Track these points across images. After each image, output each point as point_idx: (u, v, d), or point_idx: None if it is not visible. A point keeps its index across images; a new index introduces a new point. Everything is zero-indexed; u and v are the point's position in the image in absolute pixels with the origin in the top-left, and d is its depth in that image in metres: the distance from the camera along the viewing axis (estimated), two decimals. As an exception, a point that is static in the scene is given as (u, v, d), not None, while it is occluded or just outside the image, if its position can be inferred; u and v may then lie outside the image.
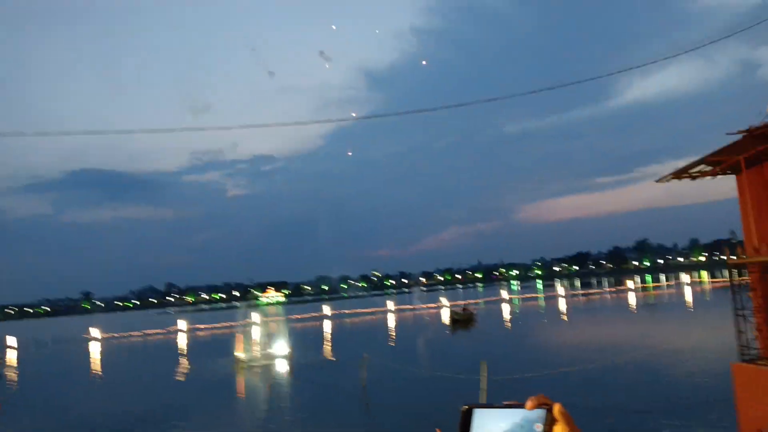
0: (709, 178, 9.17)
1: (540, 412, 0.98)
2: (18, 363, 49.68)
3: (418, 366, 25.73)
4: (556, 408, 0.98)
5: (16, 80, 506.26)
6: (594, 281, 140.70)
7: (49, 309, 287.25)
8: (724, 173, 9.18)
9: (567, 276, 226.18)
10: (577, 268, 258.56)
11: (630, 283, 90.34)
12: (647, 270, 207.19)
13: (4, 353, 56.24)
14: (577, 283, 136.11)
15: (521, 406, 0.98)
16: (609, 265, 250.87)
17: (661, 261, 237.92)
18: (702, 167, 8.85)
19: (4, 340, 68.06)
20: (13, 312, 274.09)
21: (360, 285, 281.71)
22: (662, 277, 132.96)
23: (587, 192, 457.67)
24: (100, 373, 38.73)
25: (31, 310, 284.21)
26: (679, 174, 8.53)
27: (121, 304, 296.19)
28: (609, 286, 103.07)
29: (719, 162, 8.68)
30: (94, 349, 56.77)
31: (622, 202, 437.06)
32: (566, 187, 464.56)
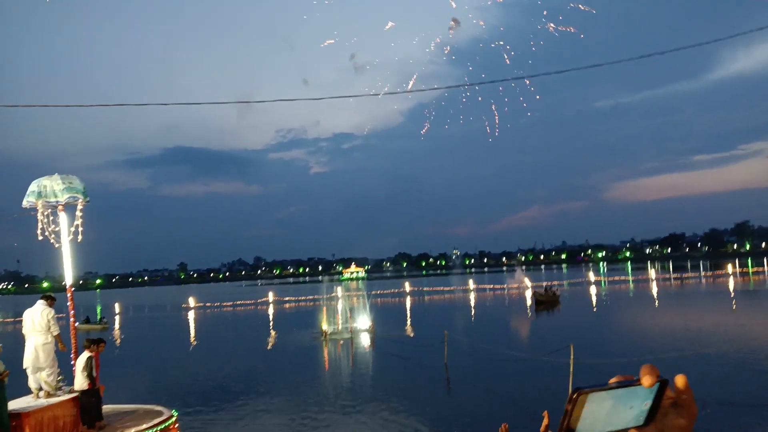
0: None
1: (653, 387, 0.87)
2: (121, 326, 53.43)
3: (499, 345, 25.42)
4: (682, 380, 0.89)
5: (116, 60, 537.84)
6: (688, 265, 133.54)
7: (147, 278, 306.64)
8: None
9: (659, 259, 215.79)
10: (669, 250, 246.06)
11: (729, 268, 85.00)
12: (747, 254, 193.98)
13: (111, 317, 60.64)
14: (670, 266, 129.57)
15: (637, 382, 0.88)
16: (705, 248, 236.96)
17: (764, 245, 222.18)
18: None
19: (112, 306, 73.69)
20: (115, 281, 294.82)
21: (440, 263, 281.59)
22: (765, 261, 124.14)
23: (683, 171, 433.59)
24: (194, 339, 40.99)
25: (132, 280, 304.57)
26: (798, 149, 7.69)
27: (213, 275, 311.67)
28: (705, 271, 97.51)
29: None
30: (189, 317, 60.14)
31: (721, 181, 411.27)
32: (660, 165, 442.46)
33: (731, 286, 62.47)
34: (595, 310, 46.65)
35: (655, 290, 62.72)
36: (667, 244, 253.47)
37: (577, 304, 50.58)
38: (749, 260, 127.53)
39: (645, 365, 0.88)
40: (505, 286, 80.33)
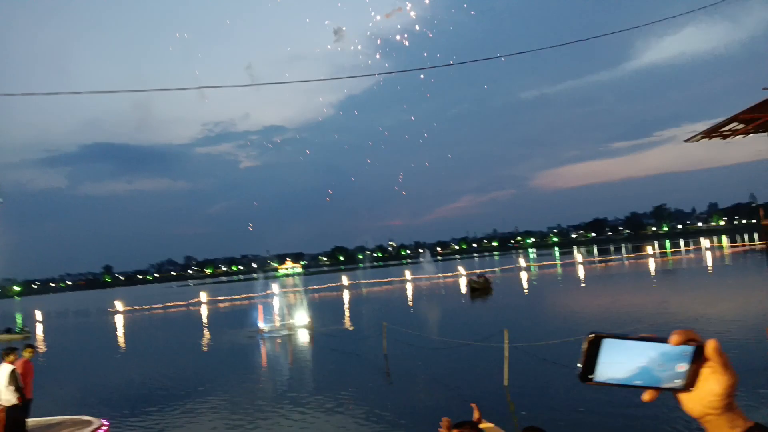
0: (740, 137, 8.80)
1: (685, 350, 0.85)
2: (44, 335, 50.77)
3: (437, 334, 25.81)
4: (711, 345, 0.85)
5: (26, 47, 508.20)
6: (611, 248, 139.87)
7: (70, 283, 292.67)
8: (757, 131, 8.75)
9: (584, 243, 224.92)
10: (594, 234, 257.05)
11: (649, 249, 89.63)
12: (665, 236, 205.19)
13: (33, 326, 57.41)
14: (595, 250, 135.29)
15: (662, 340, 0.86)
16: (626, 231, 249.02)
17: (680, 226, 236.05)
18: (734, 125, 8.47)
19: (33, 313, 70.01)
20: (36, 287, 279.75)
21: (375, 255, 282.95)
22: (681, 242, 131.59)
23: (604, 158, 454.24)
24: (123, 344, 39.48)
25: (54, 285, 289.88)
26: (709, 133, 8.20)
27: (141, 277, 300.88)
28: (627, 253, 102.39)
29: (753, 119, 8.25)
30: (117, 322, 57.85)
31: (639, 167, 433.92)
32: (582, 153, 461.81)
33: (652, 266, 65.94)
34: (527, 294, 48.14)
35: (581, 273, 65.38)
36: (591, 229, 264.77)
37: (509, 290, 52.03)
38: (667, 241, 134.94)
39: (681, 329, 0.88)
40: (440, 275, 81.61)
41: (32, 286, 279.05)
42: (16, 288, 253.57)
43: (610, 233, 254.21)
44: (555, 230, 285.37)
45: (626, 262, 79.76)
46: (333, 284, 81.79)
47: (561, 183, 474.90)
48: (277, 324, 34.77)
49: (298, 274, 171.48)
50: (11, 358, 9.13)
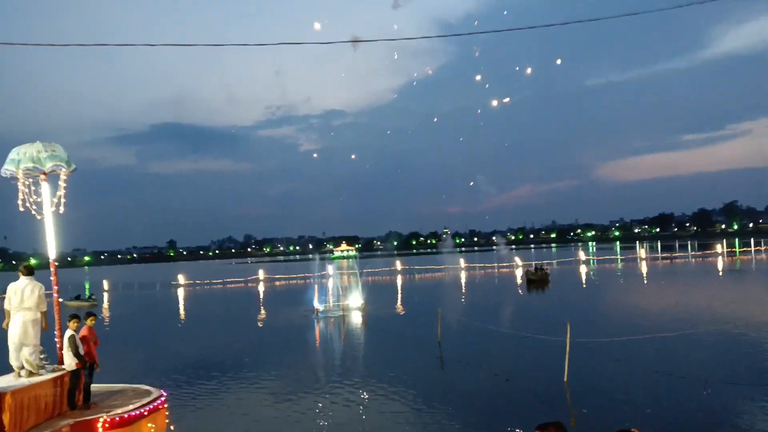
0: None
1: None
2: (110, 304, 52.96)
3: (492, 323, 25.28)
4: None
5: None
6: (677, 245, 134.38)
7: (136, 256, 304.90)
8: None
9: (648, 238, 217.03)
10: (658, 230, 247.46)
11: (717, 248, 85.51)
12: (736, 234, 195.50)
13: (100, 295, 60.00)
14: (659, 246, 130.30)
15: None
16: (694, 228, 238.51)
17: (752, 225, 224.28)
18: None
19: (101, 283, 73.36)
20: (104, 258, 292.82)
21: (430, 242, 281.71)
22: (752, 241, 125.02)
23: (673, 150, 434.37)
24: (183, 316, 40.66)
25: (121, 257, 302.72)
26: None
27: (203, 252, 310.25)
28: (693, 251, 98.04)
29: None
30: (179, 295, 59.76)
31: (710, 161, 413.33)
32: (650, 144, 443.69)
33: (720, 265, 62.84)
34: (585, 288, 46.74)
35: (644, 269, 63.00)
36: (656, 224, 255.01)
37: (567, 283, 50.67)
38: (737, 240, 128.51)
39: None
40: (495, 264, 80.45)
41: (101, 257, 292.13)
42: (86, 258, 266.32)
43: (676, 229, 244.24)
44: (617, 224, 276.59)
45: (692, 260, 76.34)
46: (387, 268, 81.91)
47: (626, 175, 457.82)
48: (332, 304, 34.99)
49: (353, 257, 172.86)
50: (74, 324, 9.31)
